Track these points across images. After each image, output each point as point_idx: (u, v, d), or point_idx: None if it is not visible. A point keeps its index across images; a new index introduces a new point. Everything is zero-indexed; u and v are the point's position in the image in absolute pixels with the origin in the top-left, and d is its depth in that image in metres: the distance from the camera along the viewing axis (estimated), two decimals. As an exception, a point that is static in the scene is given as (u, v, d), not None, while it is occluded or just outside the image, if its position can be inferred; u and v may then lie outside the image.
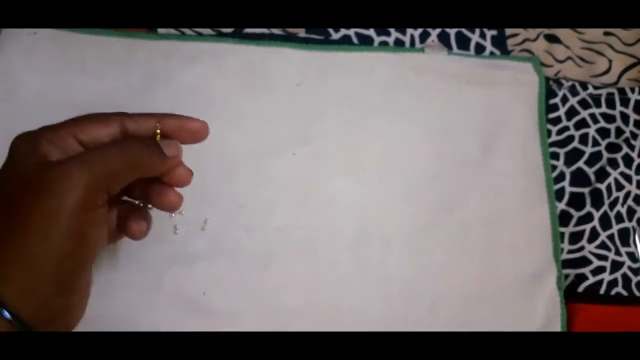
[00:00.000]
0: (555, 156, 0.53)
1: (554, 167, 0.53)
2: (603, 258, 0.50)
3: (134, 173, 0.32)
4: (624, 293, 0.50)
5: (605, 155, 0.54)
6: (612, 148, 0.54)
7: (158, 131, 0.35)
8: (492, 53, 0.56)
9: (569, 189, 0.53)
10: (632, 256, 0.51)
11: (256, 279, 0.45)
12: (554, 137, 0.54)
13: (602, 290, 0.50)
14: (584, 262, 0.50)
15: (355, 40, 0.55)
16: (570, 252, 0.51)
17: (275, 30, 0.53)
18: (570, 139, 0.54)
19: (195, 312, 0.43)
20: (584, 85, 0.56)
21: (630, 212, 0.53)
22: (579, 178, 0.53)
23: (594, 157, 0.54)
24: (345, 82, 0.52)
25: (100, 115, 0.33)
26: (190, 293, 0.44)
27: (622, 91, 0.57)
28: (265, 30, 0.53)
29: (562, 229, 0.51)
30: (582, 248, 0.50)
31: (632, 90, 0.57)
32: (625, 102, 0.56)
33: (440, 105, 0.52)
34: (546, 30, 0.59)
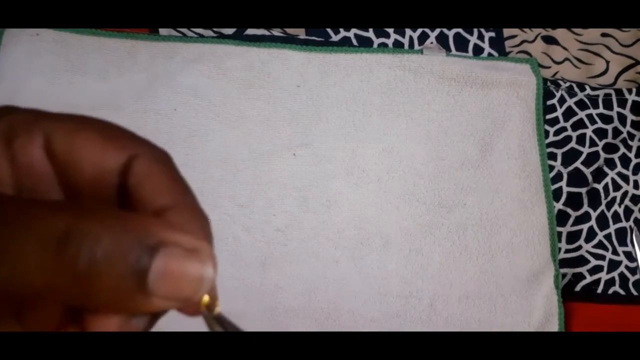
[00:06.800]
0: (552, 156, 0.54)
1: (552, 168, 0.53)
2: (600, 257, 0.51)
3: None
4: (622, 292, 0.50)
5: (603, 155, 0.54)
6: (610, 148, 0.55)
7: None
8: (490, 54, 0.57)
9: (566, 189, 0.53)
10: (629, 255, 0.51)
11: (256, 278, 0.45)
12: (551, 138, 0.54)
13: (599, 290, 0.50)
14: (582, 261, 0.50)
15: (354, 42, 0.55)
16: (567, 251, 0.51)
17: (276, 32, 0.54)
18: (568, 139, 0.55)
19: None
20: (582, 87, 0.57)
21: (628, 212, 0.53)
22: (576, 178, 0.53)
23: (591, 158, 0.54)
24: (345, 83, 0.52)
25: (110, 128, 0.17)
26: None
27: (619, 92, 0.57)
28: (265, 32, 0.53)
29: (560, 229, 0.52)
30: (579, 247, 0.51)
31: (630, 91, 0.57)
32: (622, 103, 0.57)
33: (439, 107, 0.53)
34: (544, 32, 0.59)
